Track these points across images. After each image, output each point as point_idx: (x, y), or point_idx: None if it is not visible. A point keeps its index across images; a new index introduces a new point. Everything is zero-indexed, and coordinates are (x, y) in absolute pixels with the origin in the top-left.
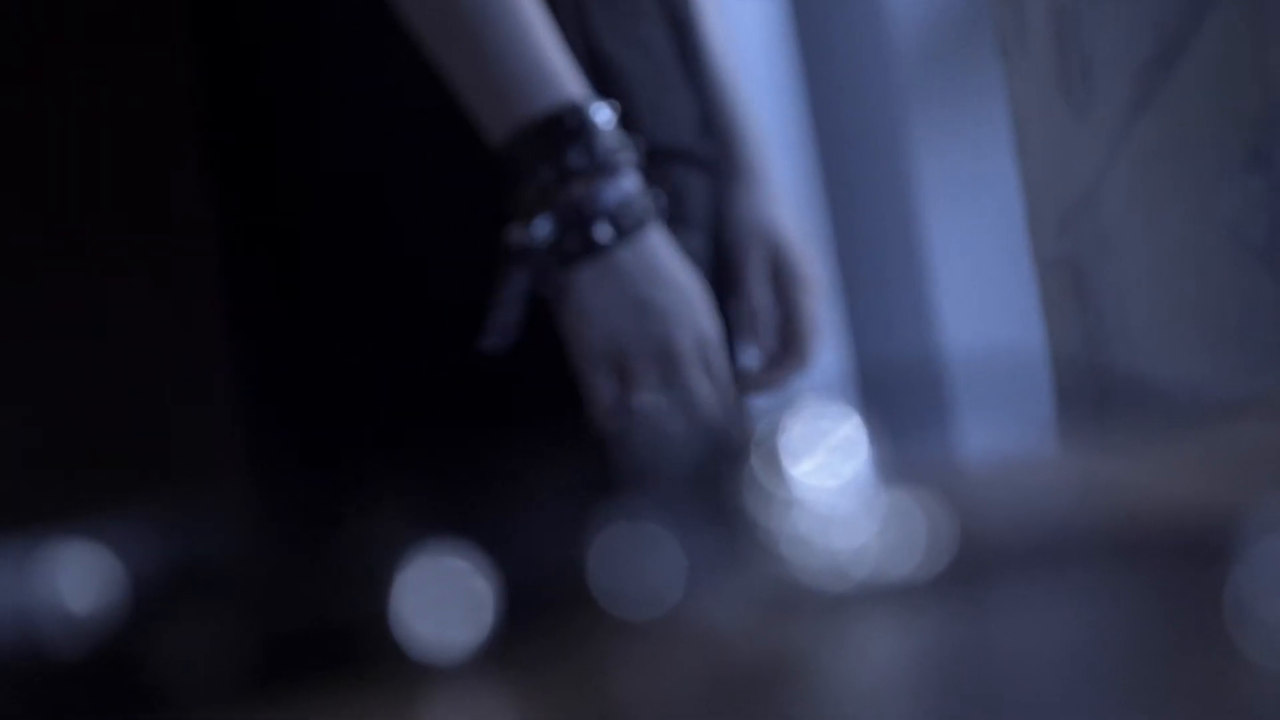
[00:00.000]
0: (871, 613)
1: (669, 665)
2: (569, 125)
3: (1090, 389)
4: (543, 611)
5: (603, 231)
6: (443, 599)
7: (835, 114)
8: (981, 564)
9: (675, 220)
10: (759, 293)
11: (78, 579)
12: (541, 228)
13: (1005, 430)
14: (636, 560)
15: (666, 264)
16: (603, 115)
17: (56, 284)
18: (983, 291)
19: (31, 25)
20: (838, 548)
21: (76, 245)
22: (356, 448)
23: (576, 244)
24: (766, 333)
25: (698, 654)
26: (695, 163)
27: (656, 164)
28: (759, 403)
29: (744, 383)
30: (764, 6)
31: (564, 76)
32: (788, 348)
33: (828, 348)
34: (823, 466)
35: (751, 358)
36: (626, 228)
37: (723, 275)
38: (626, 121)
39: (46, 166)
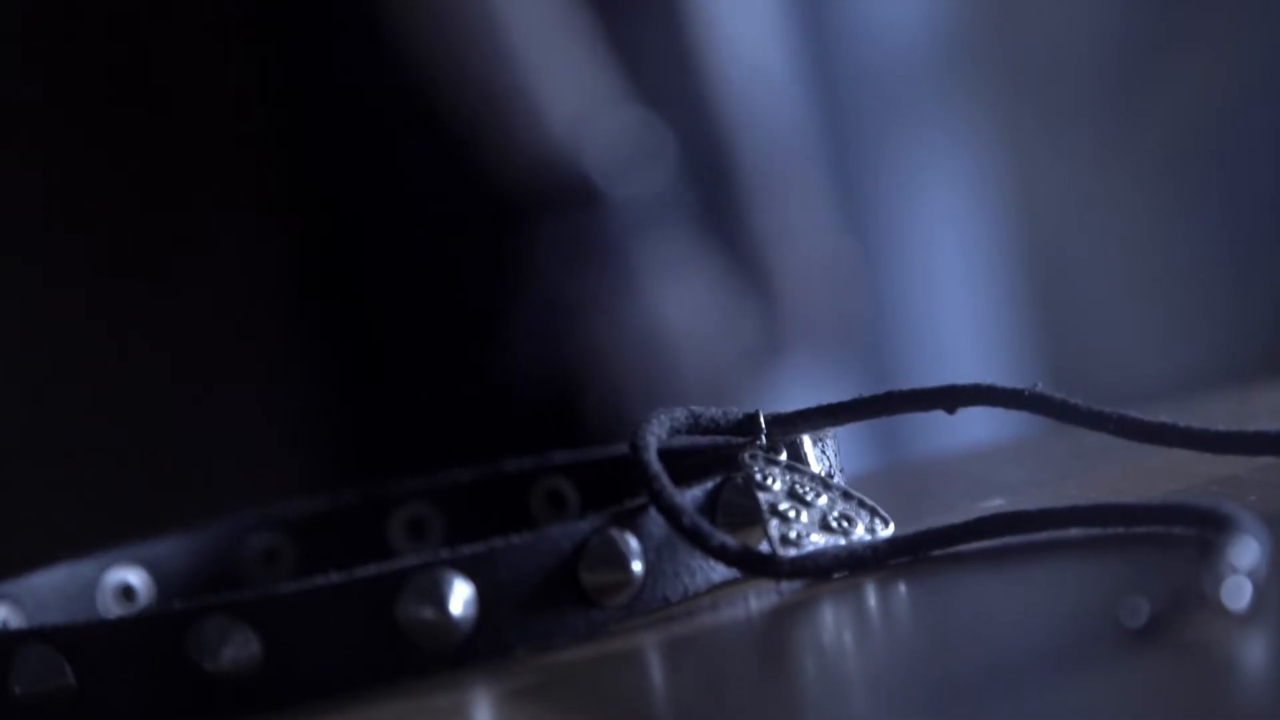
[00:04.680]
0: (849, 588)
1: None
2: (582, 168)
3: (1062, 398)
4: (544, 608)
5: (610, 269)
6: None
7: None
8: (954, 544)
9: (693, 232)
10: (786, 292)
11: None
12: (557, 269)
13: (986, 428)
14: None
15: (676, 293)
16: (620, 151)
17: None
18: (958, 316)
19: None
20: (824, 530)
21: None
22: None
23: (585, 286)
24: (794, 329)
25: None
26: (709, 170)
27: (675, 173)
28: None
29: (768, 368)
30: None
31: (582, 121)
32: (812, 341)
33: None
34: (818, 459)
35: (779, 350)
36: (631, 264)
37: (745, 278)
38: (647, 132)
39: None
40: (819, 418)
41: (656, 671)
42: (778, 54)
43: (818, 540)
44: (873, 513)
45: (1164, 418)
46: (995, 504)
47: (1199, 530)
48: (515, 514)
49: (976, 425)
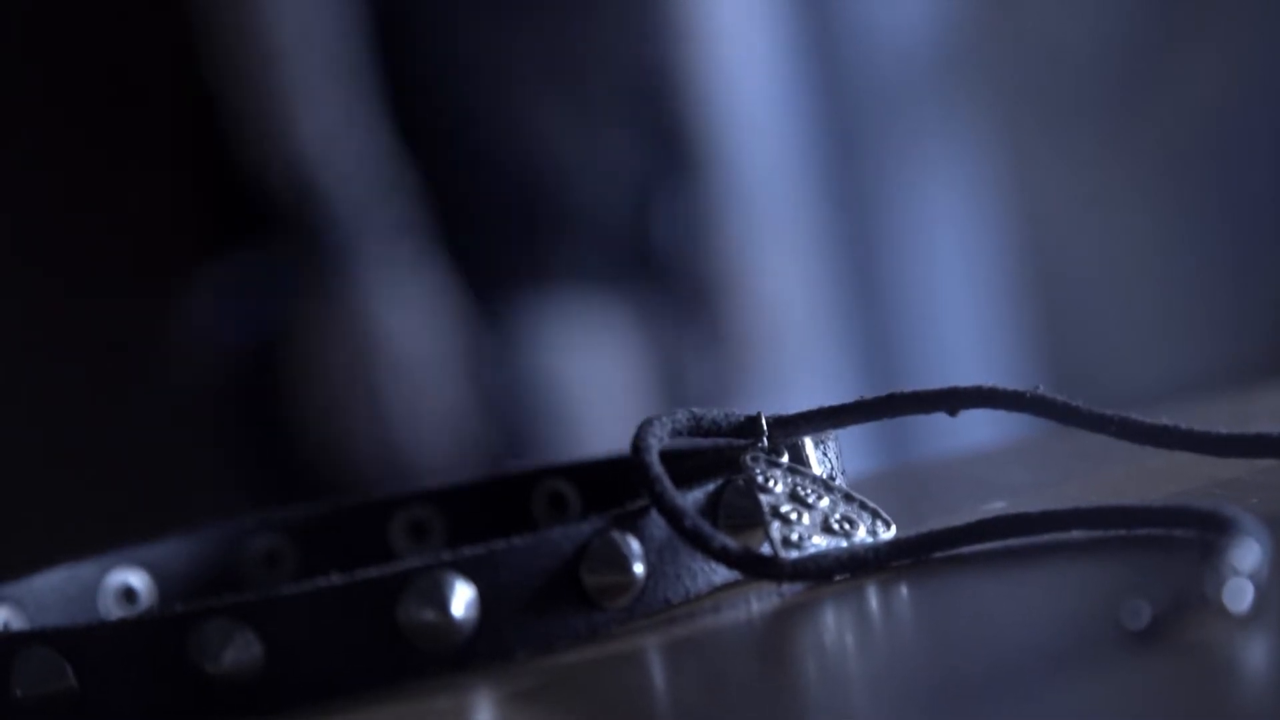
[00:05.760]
0: (851, 593)
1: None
2: (319, 188)
3: (1064, 400)
4: (543, 610)
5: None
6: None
7: (811, 150)
8: (956, 546)
9: (428, 256)
10: (713, 307)
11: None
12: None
13: (988, 430)
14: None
15: (400, 315)
16: (361, 176)
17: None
18: (960, 318)
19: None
20: (827, 536)
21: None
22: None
23: (300, 303)
24: (725, 341)
25: (687, 639)
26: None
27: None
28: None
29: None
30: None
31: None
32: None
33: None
34: (820, 463)
35: (717, 362)
36: (354, 285)
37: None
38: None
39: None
40: (821, 420)
41: (658, 673)
42: (780, 57)
43: (819, 542)
44: (874, 515)
45: (1165, 420)
46: (997, 506)
47: (1200, 532)
48: (516, 516)
49: (978, 427)
